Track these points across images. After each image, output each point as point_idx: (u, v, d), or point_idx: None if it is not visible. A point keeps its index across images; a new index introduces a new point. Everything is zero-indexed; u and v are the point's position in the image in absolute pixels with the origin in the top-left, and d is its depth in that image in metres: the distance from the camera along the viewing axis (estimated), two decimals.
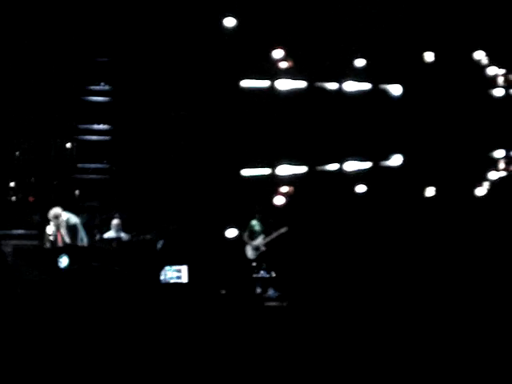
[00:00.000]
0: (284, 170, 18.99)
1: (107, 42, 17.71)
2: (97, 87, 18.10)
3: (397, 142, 19.59)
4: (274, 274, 16.12)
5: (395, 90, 19.86)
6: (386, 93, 19.80)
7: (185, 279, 11.98)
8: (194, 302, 6.20)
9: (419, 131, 19.39)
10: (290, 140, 18.77)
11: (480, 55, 20.14)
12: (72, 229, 14.73)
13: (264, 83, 18.79)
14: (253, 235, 17.47)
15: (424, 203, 19.38)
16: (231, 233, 17.72)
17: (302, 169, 19.12)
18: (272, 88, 18.85)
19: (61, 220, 14.79)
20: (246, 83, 18.59)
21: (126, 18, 17.43)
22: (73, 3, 17.23)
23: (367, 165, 19.70)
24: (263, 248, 17.32)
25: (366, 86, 19.72)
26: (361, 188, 19.50)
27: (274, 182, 18.77)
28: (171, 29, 17.48)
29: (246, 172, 18.59)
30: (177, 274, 11.91)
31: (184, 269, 11.43)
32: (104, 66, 17.99)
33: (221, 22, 17.85)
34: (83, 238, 14.85)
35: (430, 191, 19.89)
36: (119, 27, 17.51)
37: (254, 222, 17.50)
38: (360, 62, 19.47)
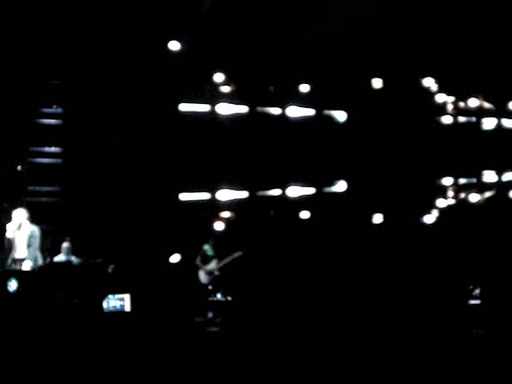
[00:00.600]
0: (224, 194, 18.99)
1: (59, 64, 17.64)
2: (49, 110, 18.00)
3: (341, 169, 19.65)
4: (229, 298, 16.11)
5: (340, 115, 19.94)
6: (330, 118, 19.86)
7: (127, 308, 11.90)
8: (136, 332, 6.15)
9: (364, 157, 19.44)
10: (230, 165, 18.82)
11: (429, 82, 20.24)
12: (31, 239, 14.63)
13: (204, 107, 18.84)
14: (206, 260, 17.44)
15: (371, 230, 19.43)
16: (175, 258, 17.72)
17: (243, 194, 19.12)
18: (212, 112, 18.90)
19: (23, 223, 14.65)
20: (185, 107, 18.63)
21: (77, 42, 17.39)
22: (24, 25, 17.16)
23: (311, 190, 19.69)
24: (217, 273, 17.31)
25: (310, 111, 19.76)
26: (305, 214, 19.48)
27: (214, 207, 18.78)
28: (118, 51, 17.51)
29: (184, 196, 18.53)
30: (120, 303, 11.83)
31: (127, 297, 11.36)
32: (56, 88, 17.90)
33: (165, 46, 17.85)
34: (38, 254, 14.72)
35: (377, 218, 19.87)
36: (71, 50, 17.46)
37: (207, 247, 17.47)
38: (304, 88, 19.50)
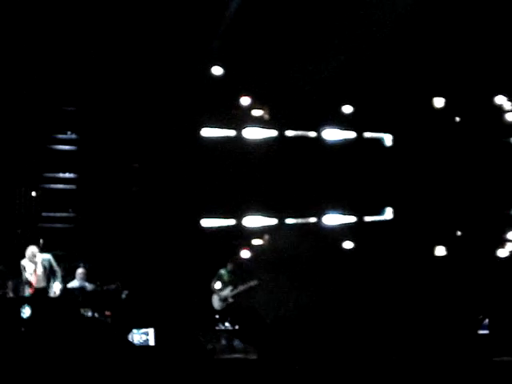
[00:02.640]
0: (251, 221, 18.53)
1: (74, 91, 17.65)
2: (63, 136, 18.02)
3: (386, 195, 18.60)
4: (237, 327, 15.91)
5: (385, 138, 18.96)
6: (373, 141, 18.90)
7: (152, 342, 11.84)
8: (160, 365, 6.10)
9: (417, 183, 18.21)
10: (259, 191, 18.32)
11: (501, 100, 18.56)
12: (47, 270, 14.83)
13: (229, 132, 18.46)
14: (221, 285, 17.24)
15: (432, 263, 18.00)
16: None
17: (271, 221, 18.58)
18: (239, 137, 18.52)
19: (37, 259, 14.81)
20: (210, 132, 18.35)
21: (92, 68, 17.36)
22: (39, 51, 17.14)
23: (351, 219, 18.77)
24: (231, 300, 17.16)
25: (351, 134, 18.84)
26: (348, 244, 18.59)
27: (239, 234, 18.48)
28: (135, 77, 17.41)
29: (207, 223, 18.30)
30: (144, 338, 11.78)
31: (151, 331, 11.31)
32: (71, 114, 17.92)
33: (188, 69, 17.72)
34: (58, 277, 14.91)
35: (440, 250, 18.43)
36: (86, 76, 17.44)
37: (223, 272, 17.28)
38: (346, 109, 18.68)
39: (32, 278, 14.79)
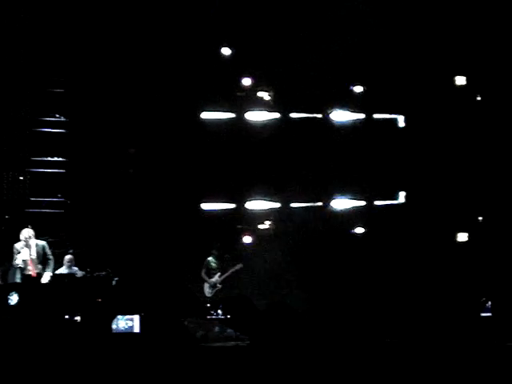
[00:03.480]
0: (254, 205, 18.24)
1: (62, 72, 17.33)
2: (51, 118, 17.72)
3: (399, 179, 18.11)
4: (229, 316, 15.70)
5: (398, 119, 18.37)
6: (386, 123, 18.34)
7: (137, 329, 11.73)
8: (145, 353, 5.89)
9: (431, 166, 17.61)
10: (262, 173, 18.00)
11: None
12: (40, 256, 14.76)
13: (232, 115, 18.10)
14: (209, 272, 17.31)
15: (453, 249, 17.52)
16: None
17: (275, 205, 18.24)
18: (242, 119, 18.15)
19: (31, 242, 14.71)
20: (211, 115, 17.98)
21: (81, 49, 17.05)
22: (27, 32, 16.88)
23: (360, 203, 18.33)
24: (220, 285, 17.19)
25: (360, 115, 18.33)
26: (359, 229, 18.20)
27: (241, 219, 18.26)
28: (127, 59, 17.13)
29: (209, 207, 17.99)
30: (129, 324, 11.65)
31: (136, 318, 11.17)
32: (59, 97, 17.60)
33: (186, 49, 17.37)
34: (50, 266, 14.83)
35: (462, 237, 17.91)
36: (74, 58, 17.12)
37: (211, 259, 17.34)
38: (357, 89, 18.20)
39: (26, 263, 14.57)
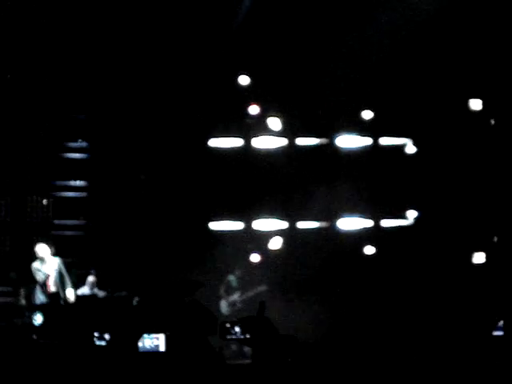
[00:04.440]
0: (261, 225, 18.25)
1: (85, 99, 17.71)
2: (74, 144, 18.11)
3: (409, 198, 18.02)
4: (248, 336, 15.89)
5: (407, 144, 18.30)
6: (396, 148, 18.31)
7: (162, 348, 11.85)
8: (171, 372, 6.14)
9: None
10: (269, 193, 18.04)
11: None
12: (57, 274, 14.95)
13: (239, 141, 18.22)
14: (229, 291, 17.29)
15: (470, 270, 17.32)
16: None
17: (282, 224, 18.23)
18: (249, 147, 18.24)
19: (47, 259, 14.81)
20: (219, 142, 18.15)
21: (103, 77, 17.40)
22: (50, 60, 17.20)
23: (369, 223, 18.23)
24: (239, 305, 17.17)
25: (369, 140, 18.28)
26: (369, 249, 18.14)
27: (249, 238, 18.29)
28: (146, 85, 17.40)
29: (216, 226, 18.10)
30: (155, 343, 11.79)
31: (161, 337, 11.32)
32: (81, 122, 18.00)
33: (197, 78, 17.53)
34: (68, 283, 15.02)
35: (478, 257, 17.69)
36: (97, 85, 17.50)
37: (232, 278, 17.31)
38: (367, 115, 18.19)
39: (47, 281, 14.78)
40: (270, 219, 18.24)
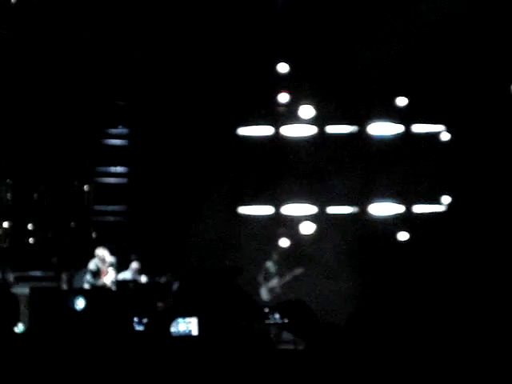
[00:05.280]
0: (290, 209, 18.14)
1: (126, 85, 17.85)
2: (115, 130, 18.25)
3: (443, 183, 17.84)
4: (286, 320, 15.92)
5: (443, 132, 18.03)
6: (430, 136, 18.09)
7: (195, 332, 11.96)
8: (203, 356, 6.14)
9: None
10: (298, 178, 17.95)
11: None
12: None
13: (269, 129, 18.15)
14: (268, 277, 17.33)
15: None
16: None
17: (311, 209, 18.13)
18: (279, 135, 18.14)
19: (107, 260, 15.06)
20: (248, 130, 18.13)
21: (145, 63, 17.50)
22: (94, 47, 17.37)
23: (402, 208, 18.04)
24: (279, 290, 17.26)
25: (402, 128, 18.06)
26: (402, 235, 17.98)
27: (279, 222, 18.26)
28: (186, 73, 17.44)
29: (249, 210, 18.11)
30: (189, 326, 11.91)
31: (194, 321, 11.43)
32: (122, 109, 18.15)
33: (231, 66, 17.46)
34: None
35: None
36: (138, 71, 17.61)
37: (269, 264, 17.34)
38: (401, 101, 17.93)
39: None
40: (299, 204, 18.16)
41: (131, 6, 16.96)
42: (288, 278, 17.16)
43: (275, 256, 17.41)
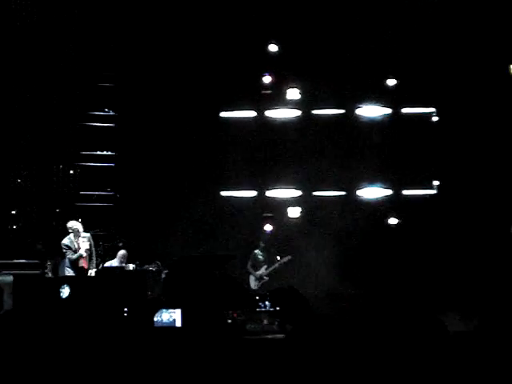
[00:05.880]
0: (274, 193, 18.10)
1: (111, 67, 17.52)
2: (101, 113, 17.89)
3: (431, 167, 17.75)
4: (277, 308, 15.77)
5: (432, 113, 17.91)
6: (419, 118, 17.94)
7: (178, 323, 11.75)
8: (186, 348, 5.92)
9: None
10: (283, 162, 17.95)
11: None
12: (91, 247, 14.67)
13: (252, 113, 18.03)
14: (256, 265, 17.27)
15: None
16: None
17: (296, 193, 18.07)
18: (263, 118, 18.03)
19: (81, 235, 14.54)
20: (231, 114, 17.95)
21: (130, 44, 17.26)
22: (77, 28, 17.06)
23: (387, 192, 17.99)
24: (266, 278, 17.13)
25: (390, 110, 17.96)
26: (392, 220, 17.83)
27: (263, 207, 18.15)
28: (168, 55, 17.25)
29: (227, 193, 17.96)
30: (173, 317, 11.69)
31: (178, 312, 11.22)
32: (108, 91, 17.77)
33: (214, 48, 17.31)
34: (94, 258, 14.74)
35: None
36: (123, 53, 17.33)
37: (257, 251, 17.31)
38: (390, 82, 17.79)
39: (78, 260, 14.51)
40: (285, 188, 18.08)
41: None
42: (276, 265, 17.11)
43: (262, 244, 17.30)
